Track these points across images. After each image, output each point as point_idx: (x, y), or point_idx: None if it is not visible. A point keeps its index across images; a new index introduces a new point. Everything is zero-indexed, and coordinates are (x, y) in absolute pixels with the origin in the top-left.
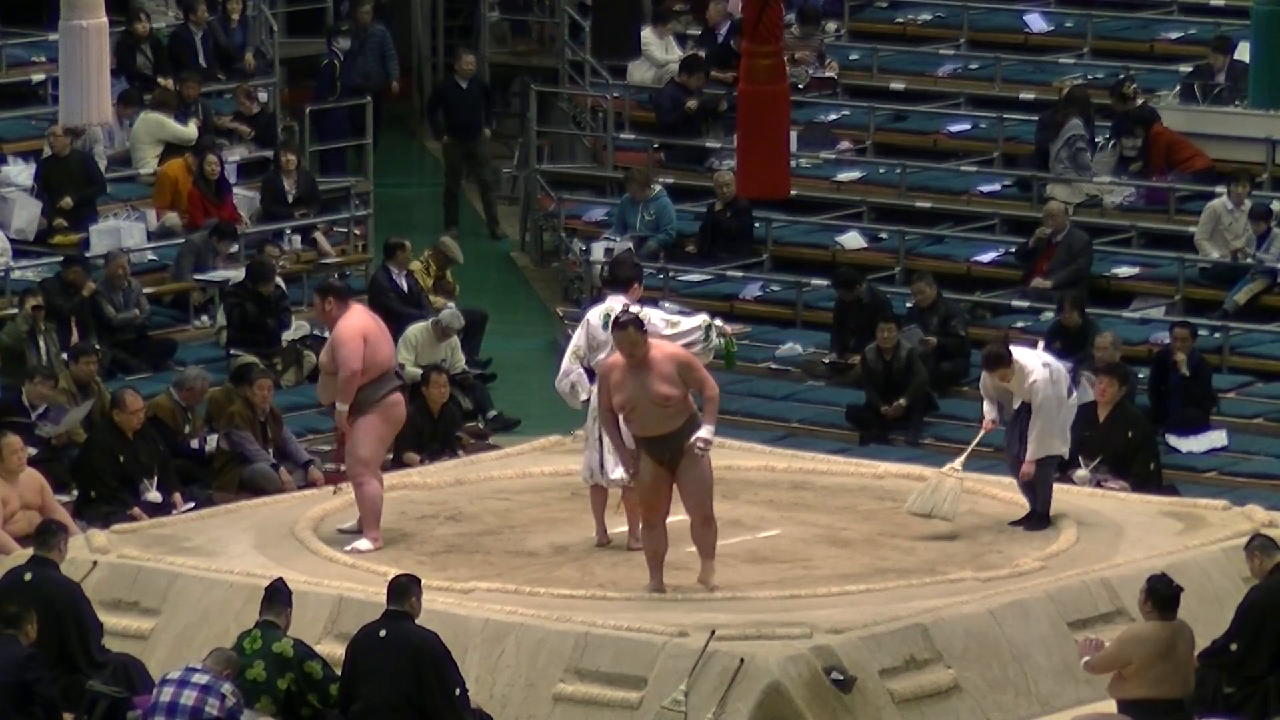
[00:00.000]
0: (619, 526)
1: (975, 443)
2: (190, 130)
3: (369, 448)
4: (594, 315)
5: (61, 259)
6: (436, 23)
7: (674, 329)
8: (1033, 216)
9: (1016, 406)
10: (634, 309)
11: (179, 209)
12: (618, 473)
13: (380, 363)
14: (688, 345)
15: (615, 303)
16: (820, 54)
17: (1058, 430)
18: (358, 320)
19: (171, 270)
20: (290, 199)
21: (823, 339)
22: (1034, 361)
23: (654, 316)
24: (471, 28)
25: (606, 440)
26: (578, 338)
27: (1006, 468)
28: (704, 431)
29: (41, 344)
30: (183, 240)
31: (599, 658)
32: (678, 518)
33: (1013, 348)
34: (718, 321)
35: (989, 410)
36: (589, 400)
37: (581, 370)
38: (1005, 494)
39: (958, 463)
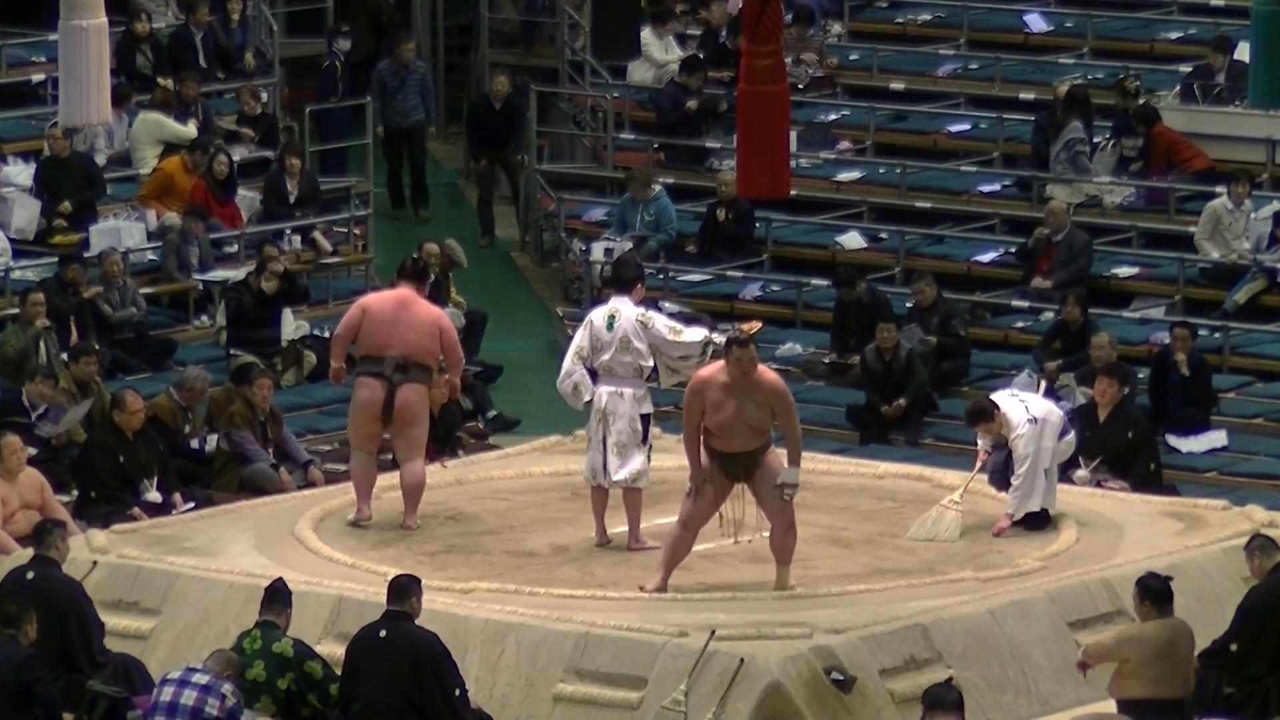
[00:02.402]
0: (618, 526)
1: (973, 474)
2: (190, 130)
3: (349, 425)
4: (596, 316)
5: (58, 259)
6: (437, 23)
7: (676, 336)
8: (1033, 216)
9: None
10: (640, 313)
11: (174, 206)
12: (620, 474)
13: (365, 342)
14: (684, 357)
15: (619, 303)
16: (819, 53)
17: (1039, 488)
18: (370, 296)
19: (163, 272)
20: (292, 199)
21: (823, 339)
22: (1019, 415)
23: (657, 321)
24: (472, 28)
25: (610, 441)
26: (580, 338)
27: (987, 479)
28: (789, 476)
29: (42, 344)
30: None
31: (599, 658)
32: (669, 518)
33: (1003, 396)
34: (716, 337)
35: (982, 442)
36: (591, 401)
37: (584, 371)
38: (1005, 494)
39: (957, 494)
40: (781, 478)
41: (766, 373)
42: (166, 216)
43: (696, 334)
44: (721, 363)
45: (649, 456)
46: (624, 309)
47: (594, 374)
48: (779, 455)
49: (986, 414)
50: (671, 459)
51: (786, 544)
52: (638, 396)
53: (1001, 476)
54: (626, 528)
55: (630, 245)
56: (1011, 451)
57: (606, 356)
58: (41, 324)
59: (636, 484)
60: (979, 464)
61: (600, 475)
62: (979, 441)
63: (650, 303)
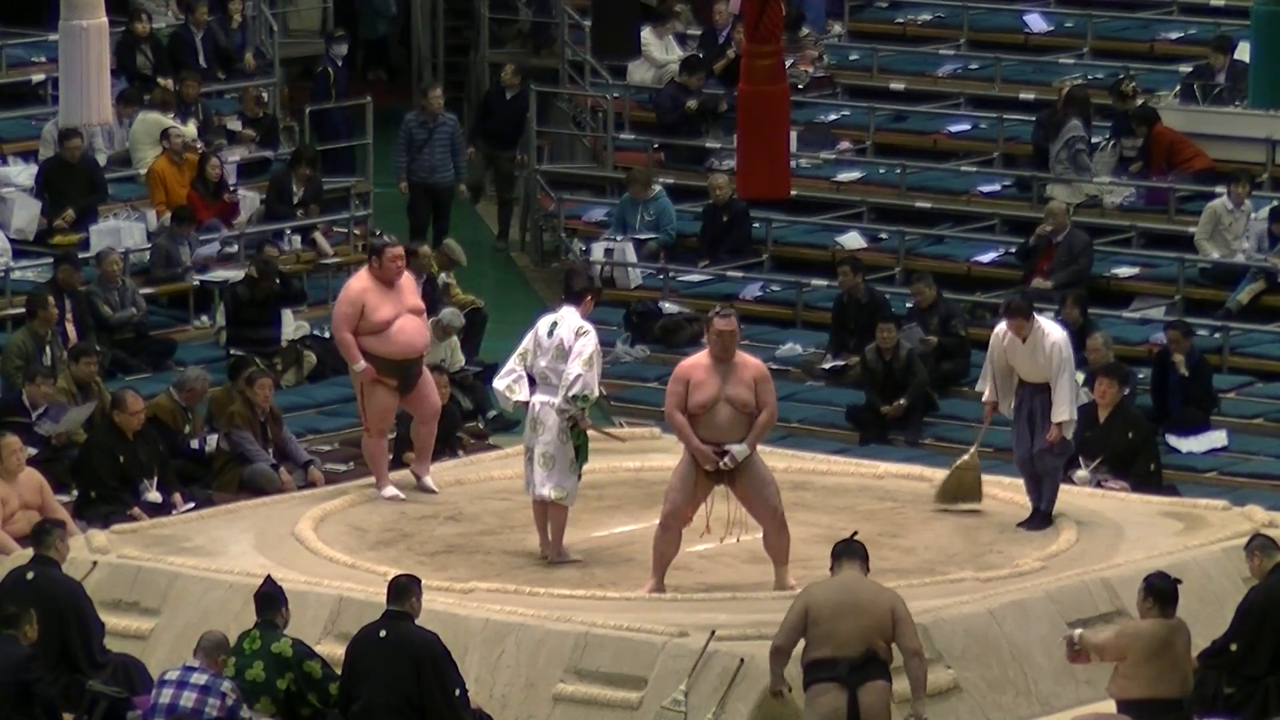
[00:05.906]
0: (621, 525)
1: (984, 431)
2: (190, 130)
3: None
4: (542, 323)
5: (54, 260)
6: (437, 23)
7: (578, 363)
8: (1033, 216)
9: (1015, 384)
10: (580, 325)
11: (167, 204)
12: (544, 489)
13: None
14: (567, 384)
15: (565, 312)
16: (817, 53)
17: (1076, 393)
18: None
19: (155, 273)
20: (296, 200)
21: (823, 339)
22: (1054, 323)
23: (583, 342)
24: (473, 28)
25: (538, 451)
26: (526, 341)
27: (1015, 465)
28: (736, 447)
29: (48, 346)
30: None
31: (599, 658)
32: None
33: None
34: (591, 395)
35: (987, 391)
36: (525, 404)
37: (522, 373)
38: (1006, 494)
39: (971, 451)
40: (730, 448)
41: (749, 356)
42: (166, 217)
43: (587, 384)
44: (704, 351)
45: (579, 474)
46: (568, 318)
47: (533, 380)
48: (763, 459)
49: (1024, 311)
50: (670, 459)
51: (781, 543)
52: None
53: (1028, 462)
54: (624, 528)
55: (631, 245)
56: (1030, 381)
57: (543, 363)
58: (53, 326)
59: (562, 501)
60: (986, 420)
61: (529, 487)
62: (984, 391)
63: (650, 303)
